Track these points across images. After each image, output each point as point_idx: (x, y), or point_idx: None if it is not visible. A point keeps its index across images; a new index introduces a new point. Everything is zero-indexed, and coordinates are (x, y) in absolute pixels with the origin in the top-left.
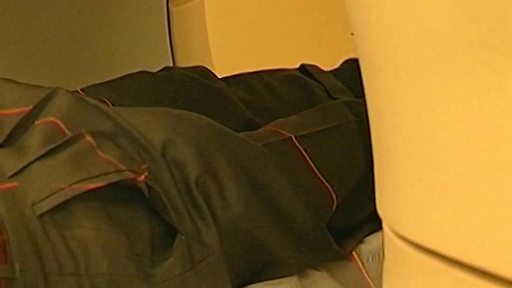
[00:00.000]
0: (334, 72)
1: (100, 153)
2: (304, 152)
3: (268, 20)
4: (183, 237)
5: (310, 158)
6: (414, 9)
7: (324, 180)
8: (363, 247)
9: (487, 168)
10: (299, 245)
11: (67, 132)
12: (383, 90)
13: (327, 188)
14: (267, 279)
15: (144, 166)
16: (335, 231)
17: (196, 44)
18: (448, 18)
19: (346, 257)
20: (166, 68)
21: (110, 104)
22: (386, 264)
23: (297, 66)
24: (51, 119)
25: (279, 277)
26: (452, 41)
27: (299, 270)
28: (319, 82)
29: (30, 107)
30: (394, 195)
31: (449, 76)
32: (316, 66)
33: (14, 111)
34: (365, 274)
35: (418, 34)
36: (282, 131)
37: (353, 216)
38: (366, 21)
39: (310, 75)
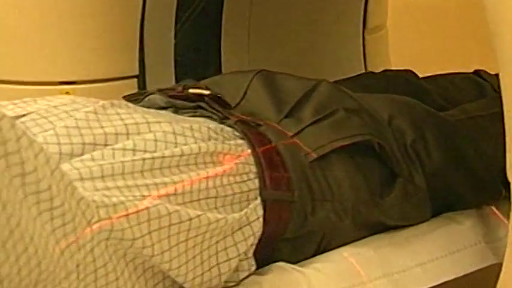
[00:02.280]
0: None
1: (347, 122)
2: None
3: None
4: (401, 179)
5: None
6: None
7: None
8: None
9: None
10: (478, 190)
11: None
12: None
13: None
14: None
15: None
16: None
17: (382, 64)
18: None
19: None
20: (384, 70)
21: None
22: None
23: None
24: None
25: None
26: None
27: (474, 207)
28: (488, 82)
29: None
30: None
31: None
32: (485, 71)
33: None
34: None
35: None
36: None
37: None
38: None
39: (481, 76)
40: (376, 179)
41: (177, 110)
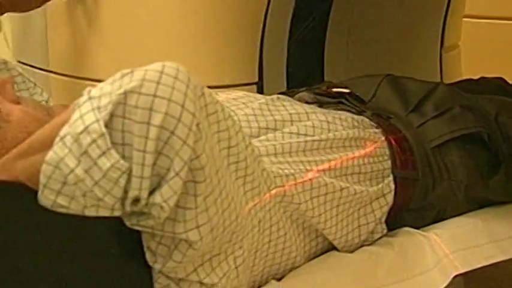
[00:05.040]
0: None
1: (462, 116)
2: None
3: None
4: (504, 164)
5: None
6: None
7: None
8: None
9: None
10: None
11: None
12: None
13: None
14: None
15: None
16: None
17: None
18: None
19: None
20: (481, 78)
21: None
22: None
23: None
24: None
25: None
26: None
27: None
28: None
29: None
30: None
31: None
32: None
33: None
34: None
35: None
36: None
37: None
38: None
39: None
40: (484, 163)
41: (321, 104)
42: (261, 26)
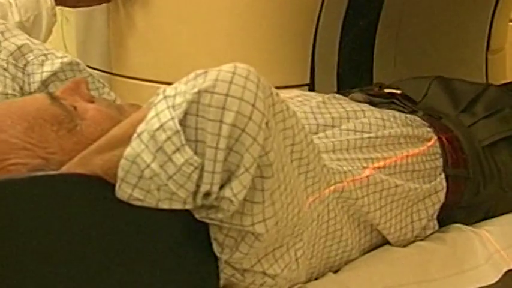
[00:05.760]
0: None
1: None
2: None
3: None
4: None
5: None
6: None
7: None
8: None
9: None
10: None
11: None
12: None
13: None
14: None
15: None
16: None
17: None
18: None
19: None
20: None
21: None
22: None
23: None
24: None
25: None
26: None
27: None
28: None
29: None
30: None
31: None
32: None
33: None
34: None
35: None
36: None
37: None
38: None
39: None
40: None
41: (373, 104)
42: (314, 28)
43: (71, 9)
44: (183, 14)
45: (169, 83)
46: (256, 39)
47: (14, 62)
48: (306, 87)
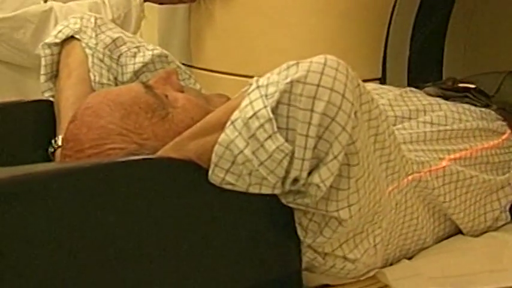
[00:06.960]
0: None
1: None
2: None
3: None
4: None
5: None
6: None
7: None
8: None
9: None
10: None
11: None
12: None
13: None
14: None
15: None
16: None
17: None
18: None
19: None
20: None
21: None
22: None
23: None
24: None
25: None
26: None
27: None
28: None
29: None
30: None
31: None
32: None
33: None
34: None
35: None
36: None
37: None
38: None
39: None
40: None
41: (447, 98)
42: (387, 24)
43: (152, 6)
44: (262, 10)
45: (245, 76)
46: (332, 35)
47: (109, 53)
48: (378, 81)
